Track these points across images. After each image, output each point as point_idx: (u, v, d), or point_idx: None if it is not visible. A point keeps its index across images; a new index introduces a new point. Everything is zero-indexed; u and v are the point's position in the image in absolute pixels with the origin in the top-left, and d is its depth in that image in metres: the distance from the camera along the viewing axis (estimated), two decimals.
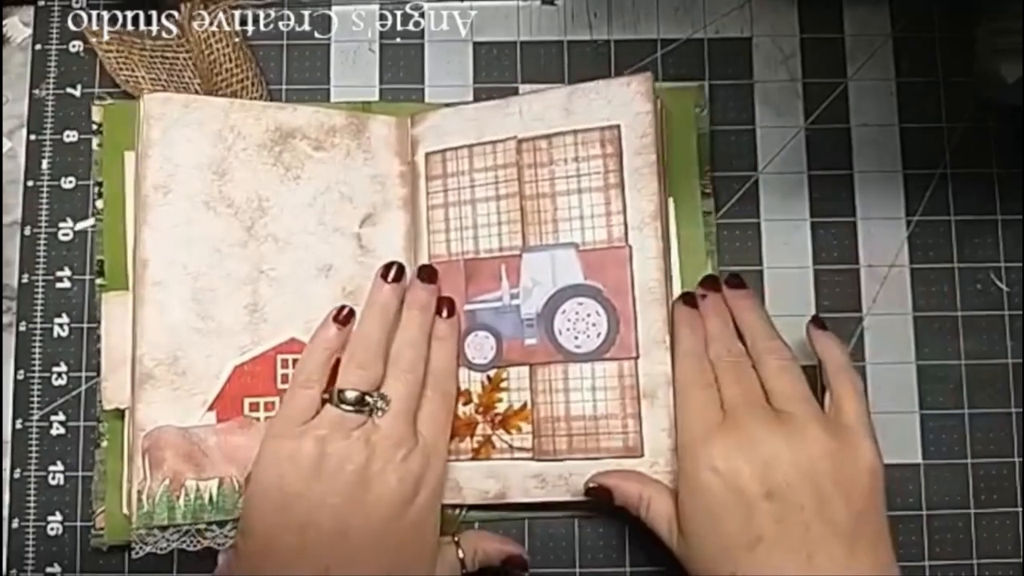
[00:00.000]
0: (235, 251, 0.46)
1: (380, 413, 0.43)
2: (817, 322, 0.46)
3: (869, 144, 0.50)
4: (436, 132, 0.48)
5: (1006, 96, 0.48)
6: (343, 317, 0.45)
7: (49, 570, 0.47)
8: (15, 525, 0.47)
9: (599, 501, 0.44)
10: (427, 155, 0.48)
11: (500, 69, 0.50)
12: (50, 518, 0.47)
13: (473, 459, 0.46)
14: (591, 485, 0.45)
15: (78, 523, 0.47)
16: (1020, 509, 0.48)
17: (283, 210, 0.47)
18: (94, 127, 0.49)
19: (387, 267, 0.46)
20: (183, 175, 0.46)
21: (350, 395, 0.42)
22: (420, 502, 0.42)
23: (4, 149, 0.49)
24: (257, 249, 0.46)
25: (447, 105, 0.49)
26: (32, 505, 0.47)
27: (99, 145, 0.49)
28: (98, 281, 0.48)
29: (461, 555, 0.44)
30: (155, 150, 0.46)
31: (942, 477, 0.48)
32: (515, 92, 0.50)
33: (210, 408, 0.45)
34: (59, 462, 0.47)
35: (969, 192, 0.50)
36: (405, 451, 0.42)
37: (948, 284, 0.49)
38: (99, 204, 0.48)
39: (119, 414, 0.46)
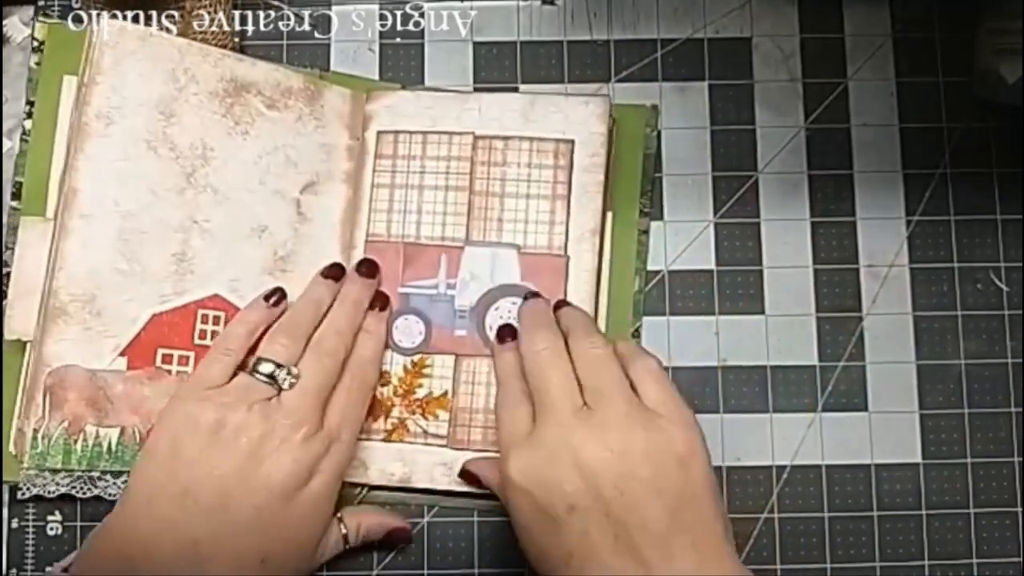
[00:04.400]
0: (171, 196, 0.45)
1: (288, 385, 0.42)
2: (558, 304, 0.46)
3: (869, 144, 0.50)
4: (391, 112, 0.49)
5: (1006, 96, 0.48)
6: (275, 298, 0.45)
7: (49, 570, 0.47)
8: (15, 525, 0.47)
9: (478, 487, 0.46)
10: (379, 133, 0.49)
11: (500, 69, 0.50)
12: (50, 518, 0.47)
13: (385, 440, 0.47)
14: (463, 469, 0.45)
15: (78, 523, 0.47)
16: (1020, 509, 0.48)
17: (226, 163, 0.46)
18: (34, 44, 0.48)
19: (329, 267, 0.46)
20: (129, 109, 0.45)
21: (265, 366, 0.42)
22: (313, 488, 0.42)
23: (4, 149, 0.49)
24: (194, 198, 0.46)
25: (404, 87, 0.50)
26: (32, 505, 0.47)
27: (37, 64, 0.47)
28: (12, 203, 0.47)
29: (344, 531, 0.44)
30: (104, 78, 0.45)
31: (942, 477, 0.48)
32: (515, 92, 0.50)
33: (122, 354, 0.44)
34: None
35: (969, 192, 0.50)
36: (305, 432, 0.41)
37: (948, 284, 0.49)
38: (27, 125, 0.47)
39: (20, 346, 0.45)
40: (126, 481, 0.44)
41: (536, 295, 0.46)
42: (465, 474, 0.46)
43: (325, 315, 0.45)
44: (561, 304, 0.46)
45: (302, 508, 0.41)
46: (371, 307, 0.46)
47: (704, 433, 0.39)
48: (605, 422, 0.38)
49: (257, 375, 0.42)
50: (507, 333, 0.46)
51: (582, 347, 0.42)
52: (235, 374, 0.43)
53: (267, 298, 0.45)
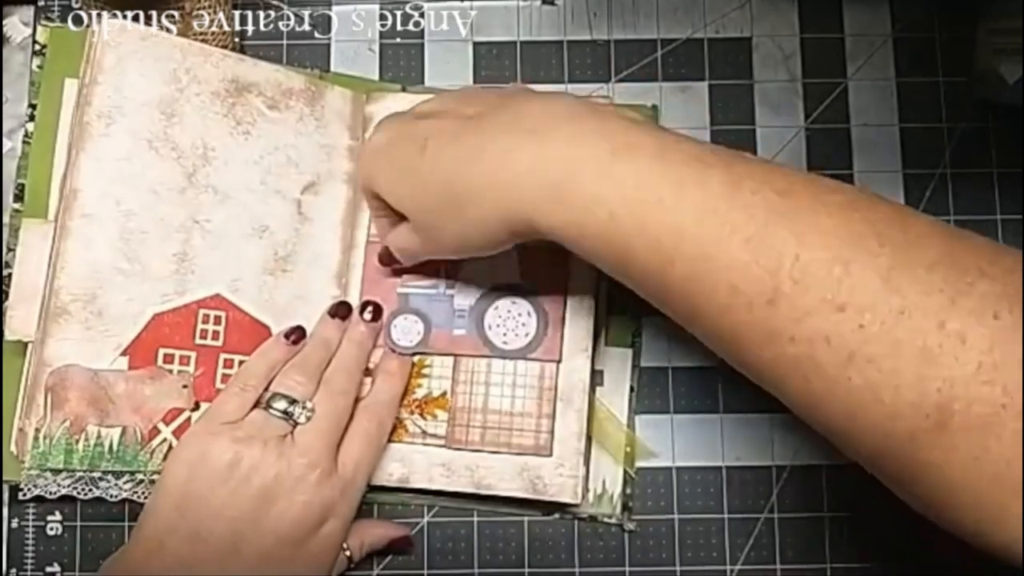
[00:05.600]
0: (172, 196, 0.45)
1: (305, 419, 0.42)
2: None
3: (869, 144, 0.50)
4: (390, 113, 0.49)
5: (1006, 96, 0.48)
6: (294, 336, 0.45)
7: (49, 569, 0.47)
8: (15, 525, 0.47)
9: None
10: None
11: (500, 69, 0.50)
12: (49, 518, 0.47)
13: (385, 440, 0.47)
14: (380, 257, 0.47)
15: (78, 523, 0.47)
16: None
17: (227, 163, 0.46)
18: (37, 47, 0.48)
19: (336, 305, 0.46)
20: (130, 108, 0.45)
21: (279, 401, 0.42)
22: (325, 533, 0.42)
23: (4, 149, 0.49)
24: (195, 198, 0.46)
25: (404, 89, 0.50)
26: (32, 505, 0.47)
27: (39, 67, 0.47)
28: (15, 206, 0.47)
29: (348, 553, 0.44)
30: (106, 77, 0.44)
31: None
32: None
33: (123, 353, 0.44)
34: None
35: (969, 192, 0.50)
36: (319, 474, 0.41)
37: None
38: (30, 127, 0.47)
39: (21, 347, 0.45)
40: (129, 481, 0.44)
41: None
42: (383, 259, 0.46)
43: (335, 353, 0.45)
44: None
45: (312, 552, 0.41)
46: (393, 349, 0.46)
47: None
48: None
49: (272, 411, 0.42)
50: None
51: None
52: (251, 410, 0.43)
53: (287, 336, 0.45)
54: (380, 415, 0.45)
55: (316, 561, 0.42)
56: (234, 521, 0.40)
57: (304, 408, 0.42)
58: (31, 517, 0.47)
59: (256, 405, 0.43)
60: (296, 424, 0.42)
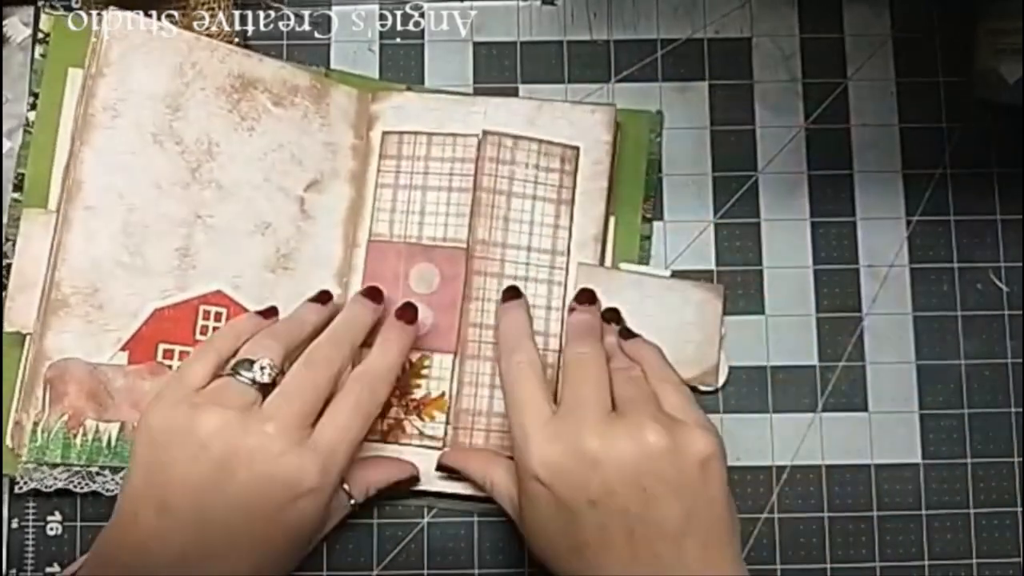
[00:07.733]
0: (176, 191, 0.45)
1: (267, 378, 0.40)
2: (623, 333, 0.46)
3: (869, 144, 0.50)
4: (396, 113, 0.49)
5: (1006, 96, 0.48)
6: (266, 311, 0.45)
7: (49, 570, 0.47)
8: (15, 525, 0.47)
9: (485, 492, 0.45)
10: (384, 134, 0.49)
11: (500, 69, 0.50)
12: (49, 518, 0.47)
13: (381, 441, 0.46)
14: (441, 463, 0.45)
15: (78, 523, 0.47)
16: (1020, 509, 0.48)
17: (232, 159, 0.46)
18: (40, 35, 0.48)
19: (319, 293, 0.46)
20: (135, 101, 0.45)
21: (245, 367, 0.40)
22: (301, 508, 0.39)
23: (4, 149, 0.49)
24: (199, 193, 0.46)
25: (409, 88, 0.50)
26: (32, 505, 0.47)
27: (42, 55, 0.47)
28: (14, 195, 0.46)
29: (351, 499, 0.43)
30: (111, 70, 0.45)
31: (942, 477, 0.48)
32: (515, 92, 0.50)
33: (123, 348, 0.44)
34: None
35: (969, 192, 0.50)
36: (285, 443, 0.38)
37: (948, 284, 0.49)
38: (31, 117, 0.47)
39: (19, 339, 0.45)
40: (124, 476, 0.44)
41: (589, 298, 0.46)
42: (443, 467, 0.45)
43: (312, 337, 0.43)
44: (613, 319, 0.46)
45: (287, 527, 0.39)
46: (399, 317, 0.44)
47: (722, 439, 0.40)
48: (634, 424, 0.38)
49: (239, 377, 0.40)
50: (511, 293, 0.46)
51: (623, 371, 0.43)
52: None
53: (260, 311, 0.45)
54: (373, 384, 0.42)
55: (292, 537, 0.40)
56: (197, 491, 0.38)
57: (263, 369, 0.40)
58: (31, 517, 0.47)
59: (223, 373, 0.41)
60: (262, 387, 0.40)
